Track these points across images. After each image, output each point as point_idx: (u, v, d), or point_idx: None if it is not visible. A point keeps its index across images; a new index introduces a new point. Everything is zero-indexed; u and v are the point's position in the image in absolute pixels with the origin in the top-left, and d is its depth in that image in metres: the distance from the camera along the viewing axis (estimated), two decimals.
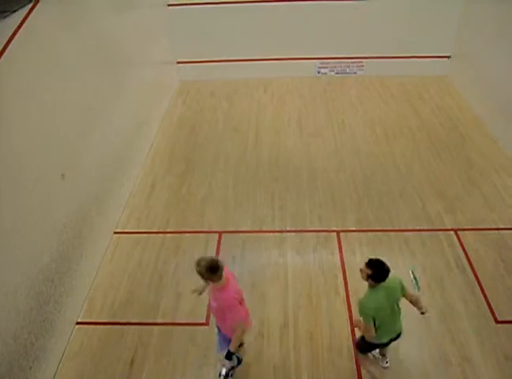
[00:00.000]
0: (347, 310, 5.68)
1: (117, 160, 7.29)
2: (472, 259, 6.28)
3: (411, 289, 5.04)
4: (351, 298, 5.81)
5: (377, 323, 4.27)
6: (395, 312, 4.42)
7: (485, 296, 5.78)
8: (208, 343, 5.36)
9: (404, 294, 4.45)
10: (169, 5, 10.55)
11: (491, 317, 5.54)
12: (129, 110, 7.90)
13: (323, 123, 9.61)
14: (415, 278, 5.86)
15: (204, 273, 3.97)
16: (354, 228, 6.88)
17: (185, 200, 7.62)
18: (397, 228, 6.85)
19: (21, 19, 4.75)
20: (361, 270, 4.20)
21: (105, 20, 7.02)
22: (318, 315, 5.64)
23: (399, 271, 6.14)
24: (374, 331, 4.26)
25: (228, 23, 10.74)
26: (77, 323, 5.69)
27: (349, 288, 5.95)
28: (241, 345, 4.54)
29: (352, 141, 8.96)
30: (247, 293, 5.89)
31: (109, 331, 5.59)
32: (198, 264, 3.99)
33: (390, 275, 4.16)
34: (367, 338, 4.42)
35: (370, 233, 6.79)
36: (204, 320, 5.63)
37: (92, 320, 5.72)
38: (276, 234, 6.85)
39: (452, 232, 6.74)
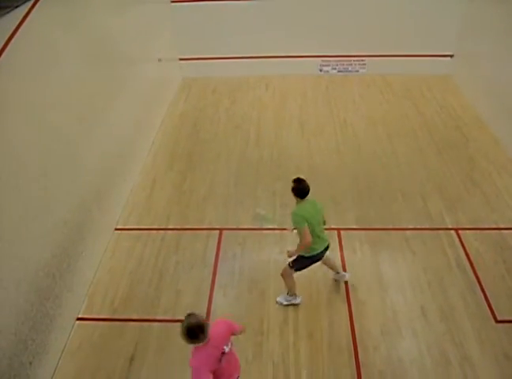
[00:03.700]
0: (347, 308, 5.68)
1: (118, 157, 7.29)
2: (472, 258, 6.28)
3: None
4: (351, 296, 5.82)
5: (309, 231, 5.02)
6: (322, 225, 5.29)
7: (485, 295, 5.78)
8: None
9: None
10: (172, 1, 10.54)
11: (491, 316, 5.54)
12: (131, 107, 7.89)
13: (325, 121, 9.60)
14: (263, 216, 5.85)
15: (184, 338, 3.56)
16: (355, 226, 6.88)
17: (186, 197, 7.63)
18: (397, 227, 6.85)
19: (23, 14, 4.75)
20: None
21: (107, 16, 7.01)
22: (318, 312, 5.65)
23: (400, 269, 6.19)
24: (310, 235, 4.97)
25: (231, 20, 10.72)
26: (78, 319, 5.70)
27: (349, 286, 5.96)
28: None
29: (354, 139, 8.95)
30: (247, 290, 5.93)
31: (109, 327, 5.60)
32: (188, 316, 3.62)
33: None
34: (305, 248, 5.08)
35: (370, 231, 6.79)
36: (204, 317, 5.62)
37: (92, 316, 5.74)
38: (277, 231, 6.84)
39: (453, 231, 6.74)
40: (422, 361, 5.10)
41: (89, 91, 6.24)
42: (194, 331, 3.50)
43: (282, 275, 5.55)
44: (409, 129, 9.20)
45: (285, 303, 5.73)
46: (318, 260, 5.38)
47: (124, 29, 7.72)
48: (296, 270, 5.43)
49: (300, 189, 5.04)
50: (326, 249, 5.33)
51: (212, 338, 3.68)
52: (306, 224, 4.95)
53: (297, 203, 5.11)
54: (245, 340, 5.32)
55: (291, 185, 5.05)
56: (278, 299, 5.77)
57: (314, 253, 5.22)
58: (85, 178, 6.11)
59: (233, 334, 4.02)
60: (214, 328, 3.79)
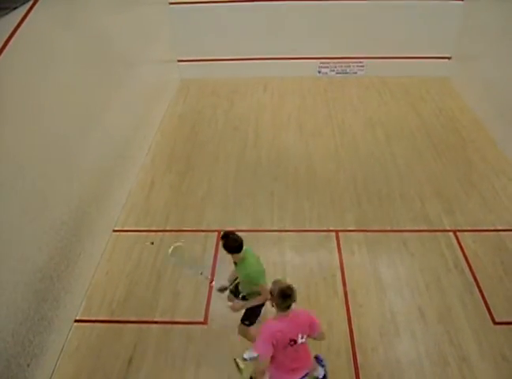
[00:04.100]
0: (345, 310, 5.68)
1: (117, 158, 7.28)
2: (470, 260, 6.29)
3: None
4: (349, 298, 5.81)
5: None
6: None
7: (483, 297, 5.79)
8: (207, 342, 5.37)
9: None
10: (171, 3, 10.54)
11: (488, 318, 5.55)
12: (129, 109, 7.89)
13: (323, 123, 9.61)
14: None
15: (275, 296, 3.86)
16: (353, 228, 6.88)
17: (184, 198, 7.62)
18: (396, 228, 6.86)
19: (22, 16, 4.74)
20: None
21: (106, 18, 7.01)
22: (316, 315, 5.62)
23: (398, 271, 6.19)
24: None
25: (230, 22, 10.73)
26: (76, 321, 5.69)
27: (347, 288, 5.95)
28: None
29: (352, 141, 8.96)
30: None
31: (107, 329, 5.59)
32: (275, 283, 3.96)
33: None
34: (264, 301, 4.61)
35: (369, 233, 6.79)
36: (202, 319, 5.63)
37: (90, 318, 5.73)
38: (275, 233, 6.85)
39: (451, 233, 6.75)
40: (420, 362, 5.10)
41: (88, 92, 6.24)
42: (286, 292, 3.80)
43: (240, 334, 5.09)
44: (407, 131, 9.22)
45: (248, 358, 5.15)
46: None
47: (122, 31, 7.71)
48: (251, 324, 4.94)
49: (232, 244, 4.47)
50: None
51: (291, 317, 3.88)
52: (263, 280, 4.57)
53: (237, 261, 4.62)
54: (243, 341, 5.33)
55: (221, 242, 4.52)
56: (245, 356, 5.16)
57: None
58: (83, 179, 6.11)
59: (311, 331, 4.02)
60: (299, 312, 3.99)
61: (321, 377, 4.41)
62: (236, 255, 4.54)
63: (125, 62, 7.88)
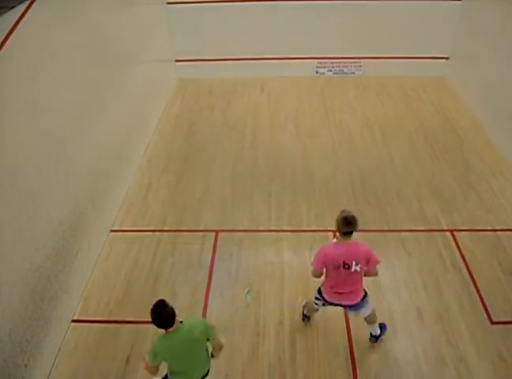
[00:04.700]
0: (343, 309, 5.67)
1: (114, 158, 7.27)
2: (468, 260, 6.30)
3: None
4: None
5: (170, 369, 3.95)
6: (196, 357, 3.96)
7: (481, 297, 5.79)
8: None
9: (210, 338, 3.99)
10: (168, 2, 10.53)
11: (486, 318, 5.55)
12: (126, 109, 7.87)
13: (320, 123, 9.61)
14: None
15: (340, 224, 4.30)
16: None
17: (182, 198, 7.61)
18: (393, 228, 6.86)
19: (19, 15, 4.73)
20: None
21: (103, 17, 7.00)
22: (314, 314, 5.64)
23: (395, 271, 6.20)
24: (155, 371, 3.85)
25: (227, 22, 10.72)
26: (73, 321, 5.67)
27: None
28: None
29: (349, 141, 8.96)
30: (243, 291, 5.91)
31: (105, 329, 5.57)
32: (342, 211, 4.39)
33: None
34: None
35: (366, 233, 6.76)
36: None
37: (87, 318, 5.71)
38: (273, 233, 6.85)
39: (448, 233, 6.76)
40: (417, 362, 5.10)
41: (85, 92, 6.22)
42: (348, 218, 4.26)
43: None
44: (405, 132, 9.23)
45: None
46: None
47: (120, 30, 7.70)
48: None
49: (159, 319, 3.60)
50: None
51: (350, 244, 4.39)
52: (155, 361, 3.75)
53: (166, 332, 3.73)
54: (241, 341, 5.33)
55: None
56: None
57: None
58: (80, 179, 6.09)
59: (367, 264, 4.49)
60: (360, 244, 4.50)
61: (377, 334, 5.15)
62: (165, 330, 3.69)
63: (122, 62, 7.86)
